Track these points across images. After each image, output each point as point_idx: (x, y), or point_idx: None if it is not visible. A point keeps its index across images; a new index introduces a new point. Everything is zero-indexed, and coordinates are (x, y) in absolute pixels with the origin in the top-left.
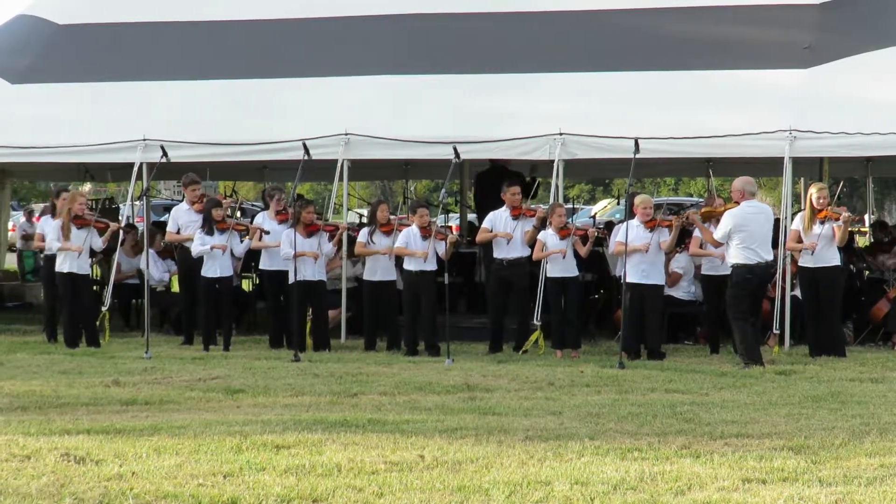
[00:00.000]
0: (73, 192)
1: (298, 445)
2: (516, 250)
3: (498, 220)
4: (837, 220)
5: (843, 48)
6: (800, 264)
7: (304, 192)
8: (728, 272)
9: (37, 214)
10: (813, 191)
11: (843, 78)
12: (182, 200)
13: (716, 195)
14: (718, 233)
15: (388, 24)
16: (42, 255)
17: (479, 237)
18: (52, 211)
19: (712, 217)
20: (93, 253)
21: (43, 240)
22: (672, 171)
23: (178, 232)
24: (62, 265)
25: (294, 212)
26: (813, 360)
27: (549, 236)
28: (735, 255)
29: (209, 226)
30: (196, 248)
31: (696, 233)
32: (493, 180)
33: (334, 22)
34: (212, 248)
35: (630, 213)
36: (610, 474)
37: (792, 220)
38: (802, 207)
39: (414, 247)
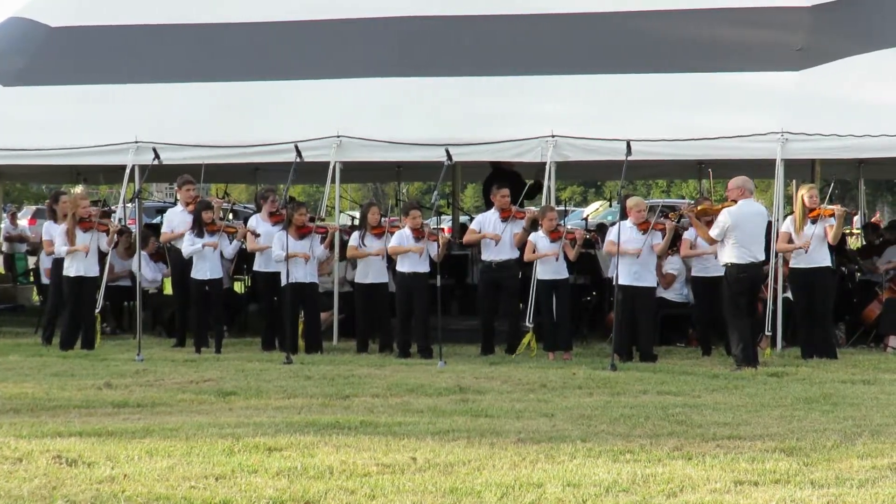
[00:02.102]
0: (76, 195)
1: (290, 448)
2: (505, 252)
3: (486, 223)
4: (832, 216)
5: (834, 50)
6: (791, 266)
7: (296, 194)
8: (719, 273)
9: (29, 217)
10: (803, 191)
11: (834, 80)
12: (175, 203)
13: (708, 197)
14: (715, 230)
15: (380, 27)
16: (35, 260)
17: (466, 238)
18: (52, 215)
19: (707, 215)
20: (100, 254)
21: (52, 245)
22: (664, 174)
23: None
24: (69, 269)
25: (286, 214)
26: (805, 362)
27: (540, 238)
28: (728, 255)
29: (199, 228)
30: (186, 249)
31: (687, 234)
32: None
33: (326, 25)
34: (203, 247)
35: (623, 215)
36: (602, 476)
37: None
38: (793, 210)
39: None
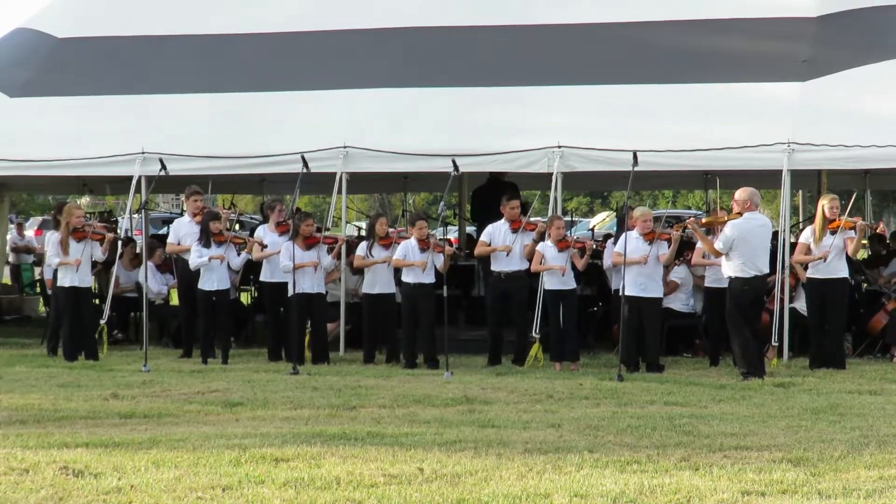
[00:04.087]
0: (70, 205)
1: (297, 458)
2: (515, 263)
3: (497, 234)
4: (853, 228)
5: (840, 61)
6: (808, 276)
7: (303, 205)
8: None
9: (35, 227)
10: (824, 202)
11: (840, 90)
12: (181, 213)
13: (717, 208)
14: (720, 243)
15: (387, 38)
16: (40, 270)
17: (478, 251)
18: (57, 226)
19: (714, 226)
20: (94, 264)
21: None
22: (670, 184)
23: (178, 244)
24: (63, 279)
25: (293, 225)
26: (811, 373)
27: (547, 248)
28: (732, 268)
29: (206, 238)
30: (194, 260)
31: (699, 243)
32: (490, 194)
33: (333, 35)
34: (210, 260)
35: (627, 226)
36: (609, 487)
37: (792, 233)
38: (801, 219)
39: (412, 259)
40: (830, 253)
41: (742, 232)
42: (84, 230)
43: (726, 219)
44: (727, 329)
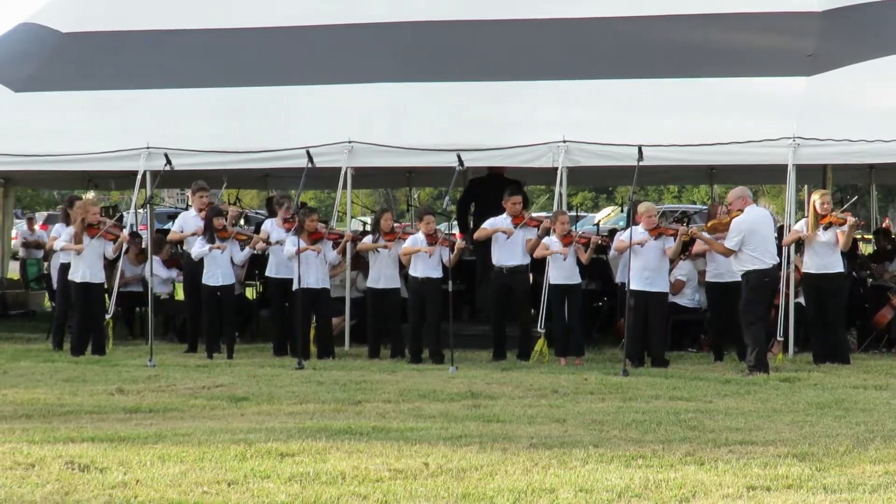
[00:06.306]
0: (86, 200)
1: (303, 453)
2: (516, 258)
3: (499, 225)
4: (842, 225)
5: (845, 56)
6: (804, 271)
7: (308, 200)
8: (733, 279)
9: (41, 222)
10: (815, 197)
11: (845, 85)
12: (186, 208)
13: (718, 203)
14: (731, 241)
15: (391, 32)
16: (47, 265)
17: (478, 234)
18: (66, 219)
19: (719, 229)
20: (107, 261)
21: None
22: (675, 179)
23: None
24: (74, 274)
25: (298, 220)
26: (817, 368)
27: (552, 243)
28: (748, 262)
29: (210, 234)
30: (196, 250)
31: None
32: (487, 189)
33: (338, 30)
34: (210, 250)
35: (633, 221)
36: (614, 482)
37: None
38: (806, 214)
39: (419, 254)
40: (824, 248)
41: (751, 224)
42: (98, 227)
43: (729, 218)
44: (729, 324)
